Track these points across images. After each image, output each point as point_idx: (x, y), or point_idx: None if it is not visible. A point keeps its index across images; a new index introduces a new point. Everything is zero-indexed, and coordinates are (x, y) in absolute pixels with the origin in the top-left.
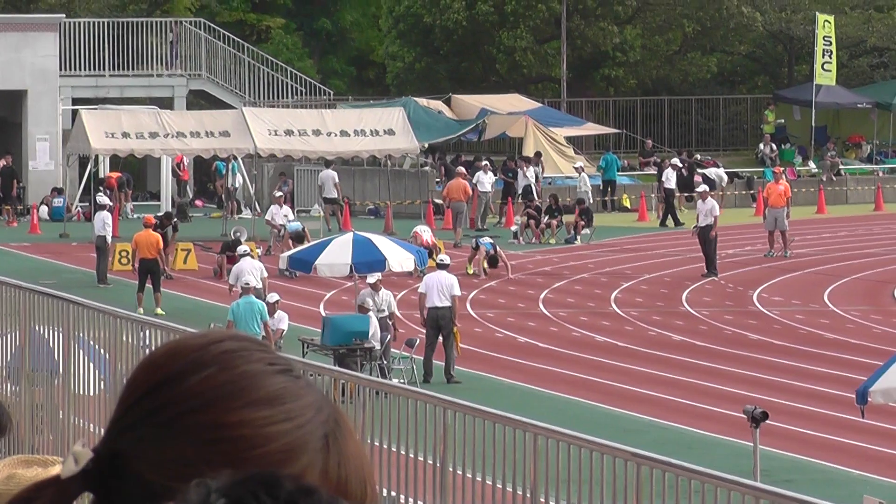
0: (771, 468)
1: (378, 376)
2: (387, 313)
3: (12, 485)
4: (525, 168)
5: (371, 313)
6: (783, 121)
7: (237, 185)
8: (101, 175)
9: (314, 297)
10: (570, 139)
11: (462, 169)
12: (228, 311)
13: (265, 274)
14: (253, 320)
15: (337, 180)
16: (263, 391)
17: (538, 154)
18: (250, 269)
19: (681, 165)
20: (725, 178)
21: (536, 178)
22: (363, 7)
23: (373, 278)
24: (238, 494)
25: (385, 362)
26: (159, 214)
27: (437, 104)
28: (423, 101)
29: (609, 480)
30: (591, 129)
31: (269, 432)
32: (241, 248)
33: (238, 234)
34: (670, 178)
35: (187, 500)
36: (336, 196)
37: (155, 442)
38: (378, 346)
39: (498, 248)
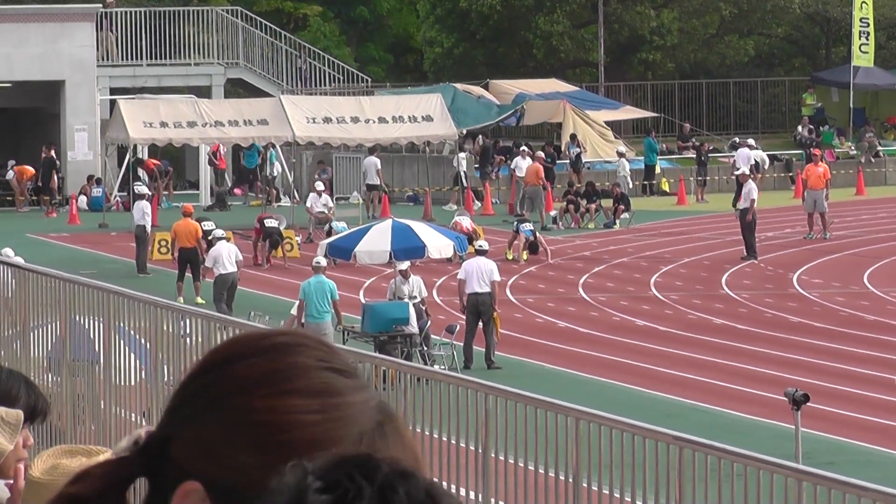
0: (813, 451)
1: (420, 363)
2: (419, 299)
3: (56, 474)
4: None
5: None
6: (821, 105)
7: (275, 174)
8: (140, 158)
9: (354, 284)
10: (608, 123)
11: (541, 154)
12: (300, 290)
13: (240, 258)
14: (323, 298)
15: (379, 167)
16: (302, 382)
17: (573, 136)
18: (227, 254)
19: (756, 147)
20: (767, 160)
21: (577, 157)
22: None
23: (403, 266)
24: (334, 476)
25: (425, 348)
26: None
27: (477, 89)
28: (462, 87)
29: (651, 464)
30: (628, 111)
31: (295, 420)
32: (219, 232)
33: (276, 221)
34: (743, 160)
35: (283, 480)
36: (378, 183)
37: (194, 421)
38: (417, 333)
39: (538, 234)
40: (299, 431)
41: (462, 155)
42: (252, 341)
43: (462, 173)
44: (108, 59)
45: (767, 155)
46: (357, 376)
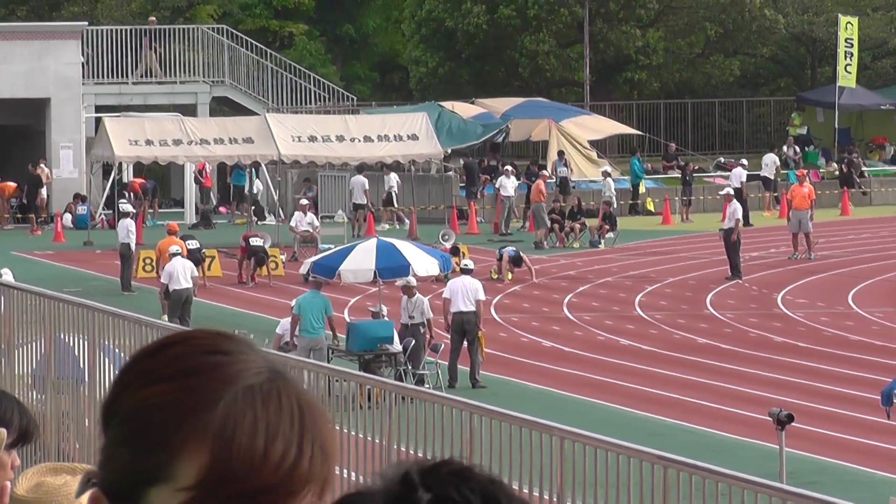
0: (797, 470)
1: (412, 383)
2: (418, 320)
3: (41, 493)
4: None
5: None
6: (807, 129)
7: (255, 191)
8: (126, 182)
9: (338, 303)
10: (593, 143)
11: (545, 172)
12: (294, 305)
13: (196, 274)
14: (318, 314)
15: (367, 186)
16: (171, 370)
17: (560, 153)
18: (182, 269)
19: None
20: (777, 161)
21: (564, 180)
22: (386, 12)
23: (400, 282)
24: (442, 490)
25: (409, 367)
26: (190, 248)
27: (463, 107)
28: (449, 105)
29: (636, 483)
30: (598, 119)
31: (153, 404)
32: (173, 248)
33: (261, 240)
34: (737, 179)
35: (387, 488)
36: (365, 202)
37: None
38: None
39: (522, 253)
40: (158, 413)
41: (393, 175)
42: (148, 347)
43: (394, 193)
44: (148, 77)
45: (748, 175)
46: (244, 353)
